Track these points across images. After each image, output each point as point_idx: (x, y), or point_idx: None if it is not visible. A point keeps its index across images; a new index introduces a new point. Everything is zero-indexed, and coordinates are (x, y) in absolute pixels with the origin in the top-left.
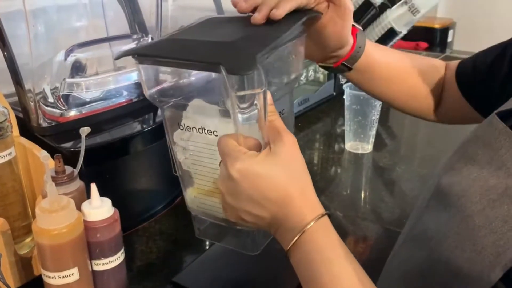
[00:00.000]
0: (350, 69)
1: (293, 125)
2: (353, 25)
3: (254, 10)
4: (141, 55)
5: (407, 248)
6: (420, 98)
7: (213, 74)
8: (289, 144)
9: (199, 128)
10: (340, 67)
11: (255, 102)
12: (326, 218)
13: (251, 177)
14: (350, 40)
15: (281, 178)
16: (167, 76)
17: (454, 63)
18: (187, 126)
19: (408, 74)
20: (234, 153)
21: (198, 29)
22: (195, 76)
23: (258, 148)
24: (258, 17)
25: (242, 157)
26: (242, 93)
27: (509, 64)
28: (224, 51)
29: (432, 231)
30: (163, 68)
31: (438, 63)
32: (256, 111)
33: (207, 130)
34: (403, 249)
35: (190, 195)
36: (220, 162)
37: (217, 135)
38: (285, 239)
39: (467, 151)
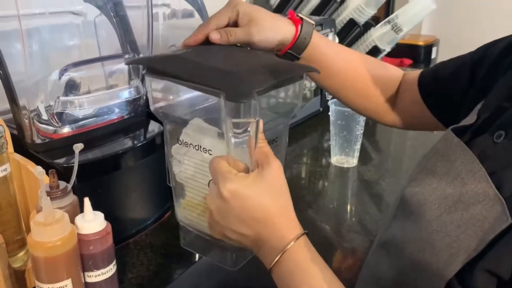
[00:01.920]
0: (297, 58)
1: (284, 154)
2: (298, 15)
3: None
4: (151, 68)
5: (377, 255)
6: (371, 98)
7: (214, 98)
8: (275, 169)
9: (195, 145)
10: (287, 55)
11: (248, 129)
12: (304, 237)
13: (240, 198)
14: (287, 33)
15: (266, 200)
16: (172, 93)
17: (416, 73)
18: (185, 142)
19: (359, 73)
20: (226, 174)
21: (208, 49)
22: (198, 96)
23: (246, 171)
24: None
25: (234, 178)
26: (236, 120)
27: (469, 78)
28: (227, 79)
29: (398, 238)
30: (169, 86)
31: (395, 70)
32: (248, 137)
33: (203, 148)
34: (373, 256)
35: (180, 206)
36: (209, 181)
37: (211, 154)
38: (267, 259)
39: (427, 163)
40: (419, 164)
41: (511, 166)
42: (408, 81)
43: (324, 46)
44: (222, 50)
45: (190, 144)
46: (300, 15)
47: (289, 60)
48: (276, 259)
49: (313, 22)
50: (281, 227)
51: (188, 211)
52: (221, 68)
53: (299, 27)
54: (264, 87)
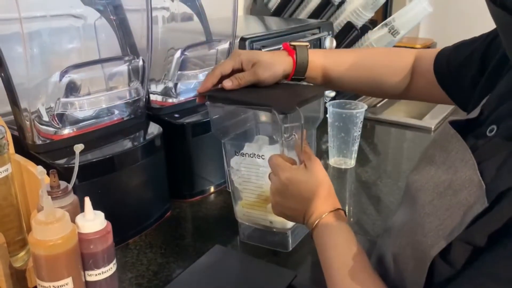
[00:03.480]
0: (302, 79)
1: (314, 152)
2: (291, 45)
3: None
4: (213, 96)
5: (382, 238)
6: (384, 85)
7: (263, 117)
8: (317, 163)
9: (251, 154)
10: (293, 79)
11: (293, 134)
12: (340, 212)
13: (295, 183)
14: (286, 65)
15: (314, 184)
16: (228, 119)
17: (432, 54)
18: (242, 153)
19: (366, 69)
20: (283, 166)
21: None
22: (248, 120)
23: (295, 164)
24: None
25: (289, 169)
26: (287, 124)
27: (479, 68)
28: (274, 99)
29: (397, 222)
30: (225, 114)
31: (405, 54)
32: (292, 141)
33: (257, 155)
34: (380, 240)
35: (239, 206)
36: (269, 174)
37: (264, 158)
38: (310, 225)
39: (427, 153)
40: (421, 155)
41: (493, 157)
42: (424, 63)
43: (323, 59)
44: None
45: (246, 153)
46: (293, 43)
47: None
48: (315, 223)
49: (306, 44)
50: (322, 203)
51: (245, 209)
52: (266, 92)
53: (295, 56)
54: (301, 101)
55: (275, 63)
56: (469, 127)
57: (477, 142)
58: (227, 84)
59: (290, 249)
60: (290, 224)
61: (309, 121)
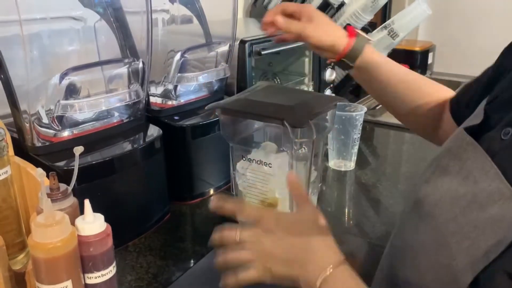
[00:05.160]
0: (351, 66)
1: (322, 166)
2: (356, 31)
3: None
4: (226, 109)
5: (389, 259)
6: (419, 114)
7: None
8: (314, 211)
9: (258, 161)
10: (341, 64)
11: (303, 146)
12: (344, 265)
13: (285, 218)
14: (338, 40)
15: (307, 221)
16: (237, 122)
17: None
18: (249, 158)
19: (411, 89)
20: (262, 208)
21: (262, 92)
22: (256, 123)
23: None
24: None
25: (271, 209)
26: (298, 140)
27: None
28: (287, 111)
29: (411, 241)
30: (235, 117)
31: (446, 91)
32: (301, 154)
33: (264, 162)
34: (386, 260)
35: None
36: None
37: (271, 167)
38: (308, 284)
39: (440, 163)
40: (431, 164)
41: None
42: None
43: (378, 60)
44: (273, 91)
45: (254, 160)
46: (357, 30)
47: (343, 67)
48: (323, 277)
49: (369, 38)
50: (321, 256)
51: None
52: (280, 104)
53: (353, 38)
54: (313, 115)
55: (328, 30)
56: (478, 131)
57: (491, 147)
58: (279, 19)
59: None
60: None
61: (319, 130)
